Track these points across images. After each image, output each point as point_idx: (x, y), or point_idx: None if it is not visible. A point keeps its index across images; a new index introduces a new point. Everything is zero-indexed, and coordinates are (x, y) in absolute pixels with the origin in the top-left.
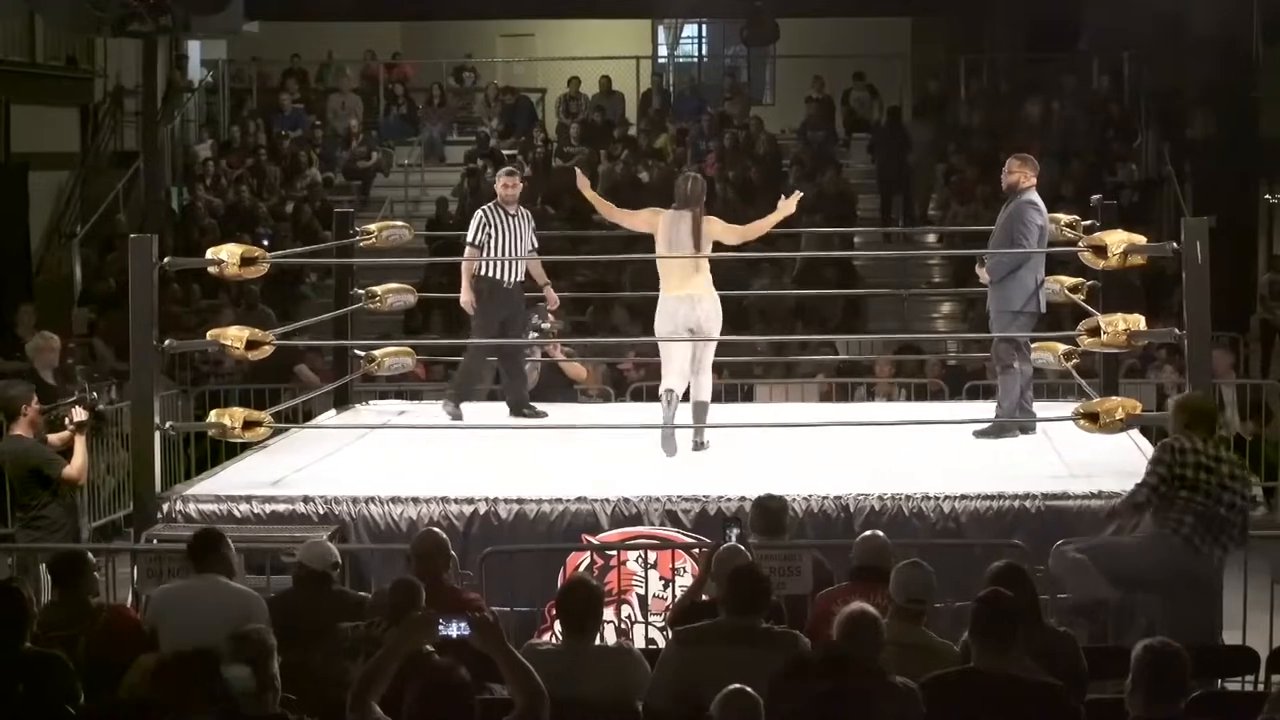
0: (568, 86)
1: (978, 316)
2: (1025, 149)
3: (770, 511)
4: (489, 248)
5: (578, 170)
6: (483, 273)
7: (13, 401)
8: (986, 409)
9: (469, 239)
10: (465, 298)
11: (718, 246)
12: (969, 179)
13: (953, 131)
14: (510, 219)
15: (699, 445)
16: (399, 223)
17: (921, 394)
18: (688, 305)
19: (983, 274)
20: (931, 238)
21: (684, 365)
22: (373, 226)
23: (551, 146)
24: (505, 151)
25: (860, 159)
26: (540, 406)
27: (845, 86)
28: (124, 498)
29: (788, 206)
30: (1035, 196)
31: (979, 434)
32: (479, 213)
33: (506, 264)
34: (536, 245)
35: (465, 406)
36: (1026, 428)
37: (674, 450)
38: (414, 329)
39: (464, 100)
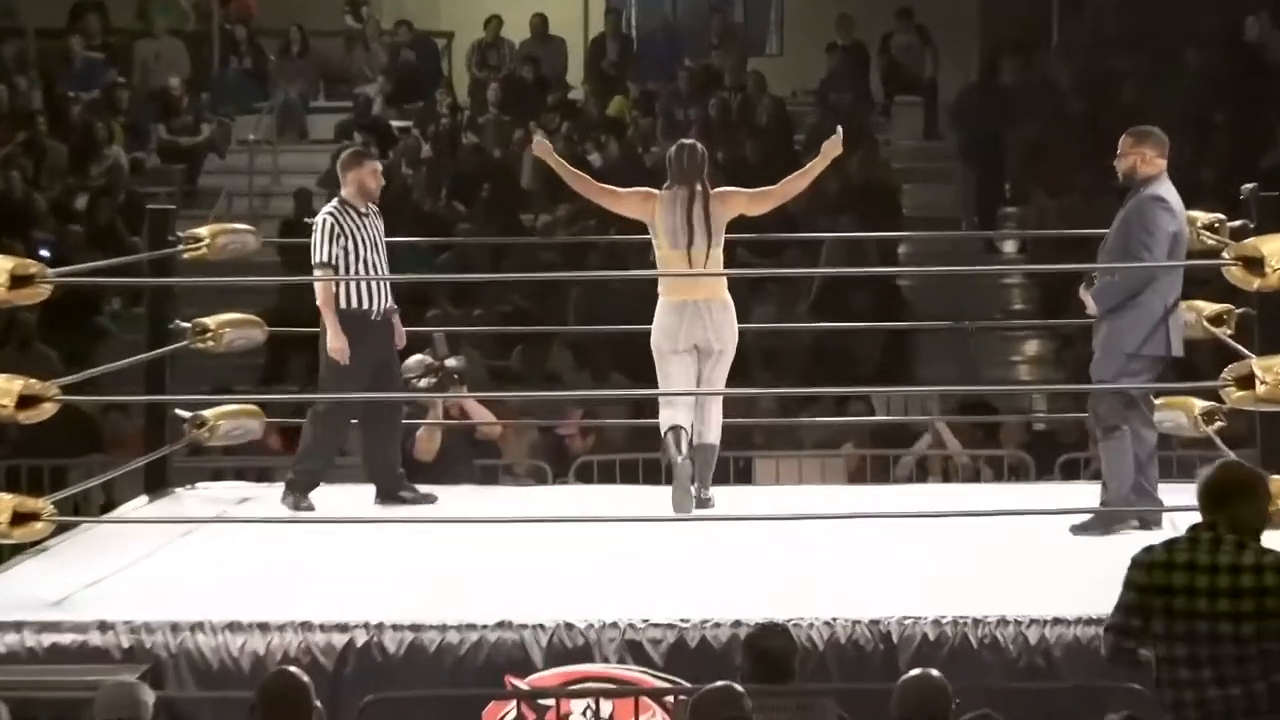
0: (484, 30)
1: (1077, 360)
2: (1143, 121)
3: (769, 655)
4: (345, 265)
5: (537, 131)
6: (342, 304)
7: None
8: (1089, 493)
9: (318, 257)
10: (336, 343)
11: (735, 226)
12: (1063, 161)
13: (1040, 93)
14: (364, 221)
15: (704, 502)
16: (241, 225)
17: (996, 471)
18: (692, 315)
19: (1087, 299)
20: (1009, 246)
21: (689, 395)
22: (203, 231)
23: (462, 116)
24: (396, 123)
25: (907, 132)
26: (433, 490)
27: (885, 29)
28: None
29: (833, 148)
30: (1165, 189)
31: (1077, 530)
32: (325, 218)
33: (373, 286)
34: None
35: (325, 494)
36: (1147, 519)
37: (691, 503)
38: (264, 379)
39: (335, 50)
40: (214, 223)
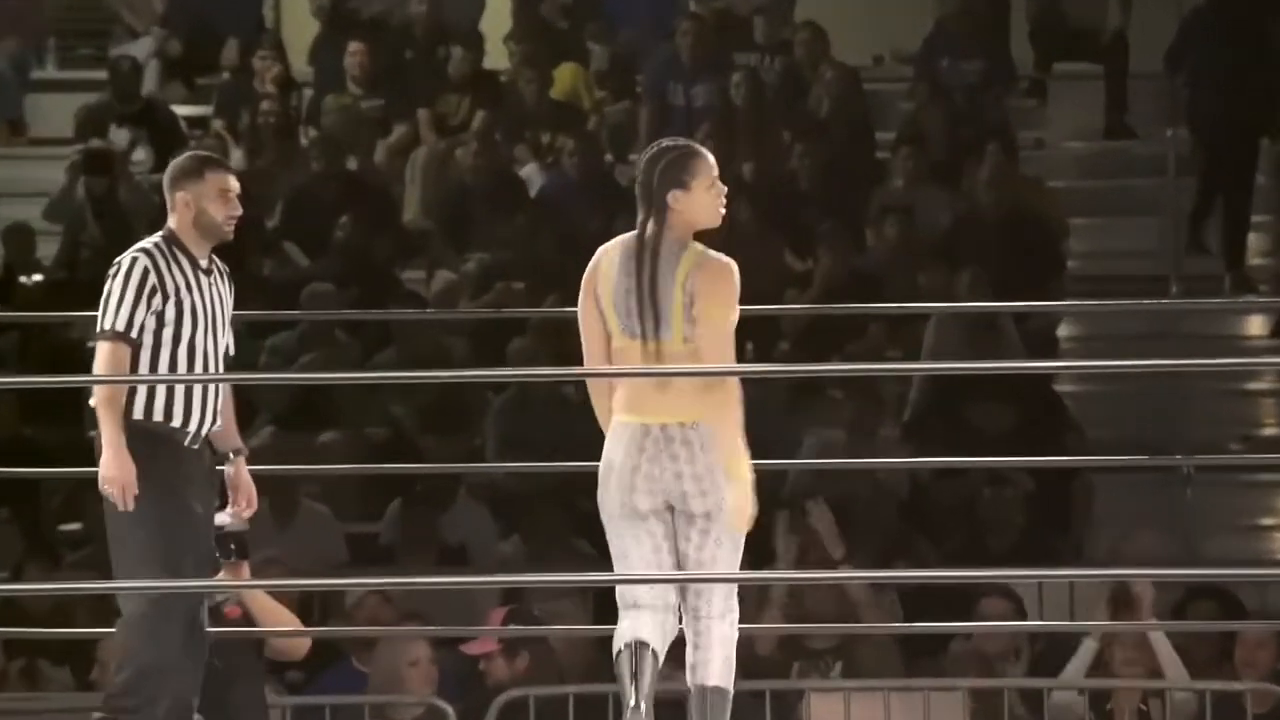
0: None
1: None
2: None
3: None
4: (156, 343)
5: None
6: (138, 411)
7: None
8: None
9: (108, 322)
10: (113, 471)
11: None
12: None
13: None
14: (198, 277)
15: None
16: None
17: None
18: (657, 447)
19: None
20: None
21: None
22: None
23: (299, 96)
24: (182, 110)
25: (1068, 126)
26: None
27: None
28: None
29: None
30: None
31: None
32: (135, 258)
33: (194, 388)
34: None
35: None
36: None
37: None
38: None
39: None
40: None
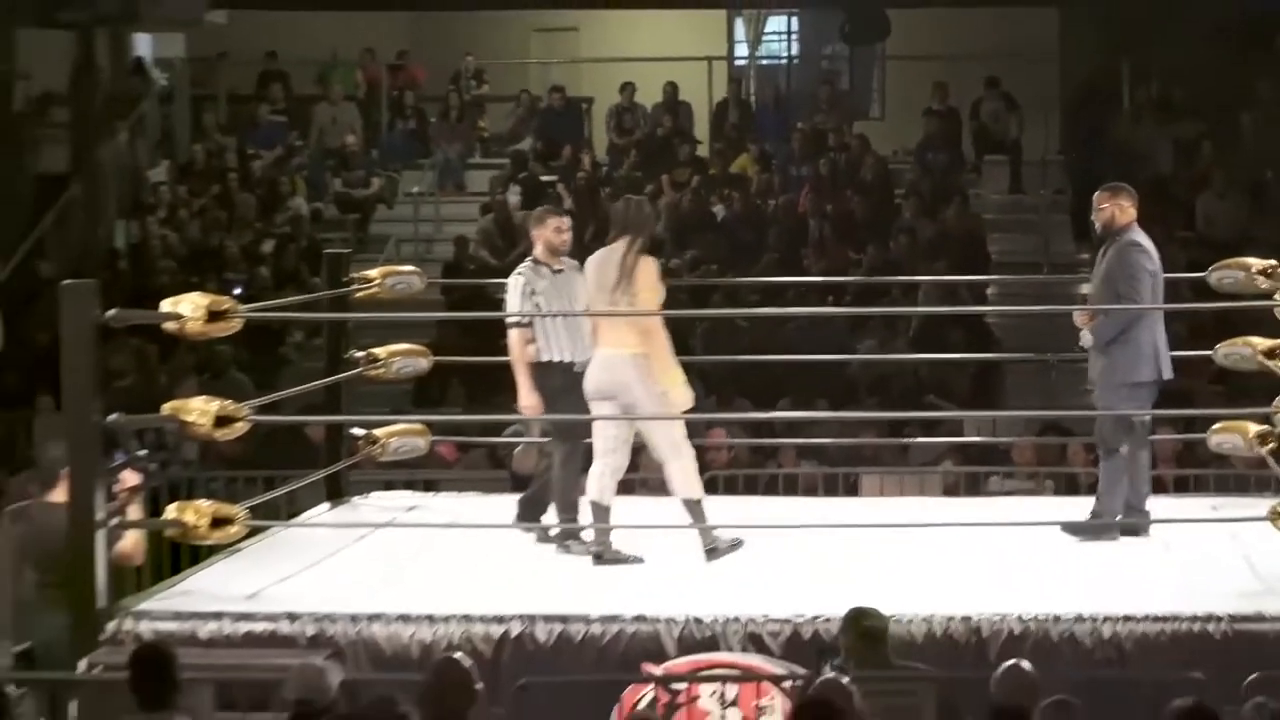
0: (620, 95)
1: None
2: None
3: (868, 633)
4: (538, 321)
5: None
6: (544, 357)
7: (53, 464)
8: (1169, 504)
9: (511, 316)
10: (527, 400)
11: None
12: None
13: (1114, 153)
14: (556, 277)
15: (713, 552)
16: (407, 267)
17: (1072, 486)
18: (606, 367)
19: (1085, 337)
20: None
21: (609, 454)
22: (374, 272)
23: (601, 171)
24: (543, 178)
25: (995, 187)
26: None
27: (975, 96)
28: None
29: None
30: (1139, 235)
31: (1068, 529)
32: (517, 277)
33: (565, 339)
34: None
35: (483, 502)
36: (1133, 528)
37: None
38: (428, 401)
39: (488, 114)
40: (383, 266)
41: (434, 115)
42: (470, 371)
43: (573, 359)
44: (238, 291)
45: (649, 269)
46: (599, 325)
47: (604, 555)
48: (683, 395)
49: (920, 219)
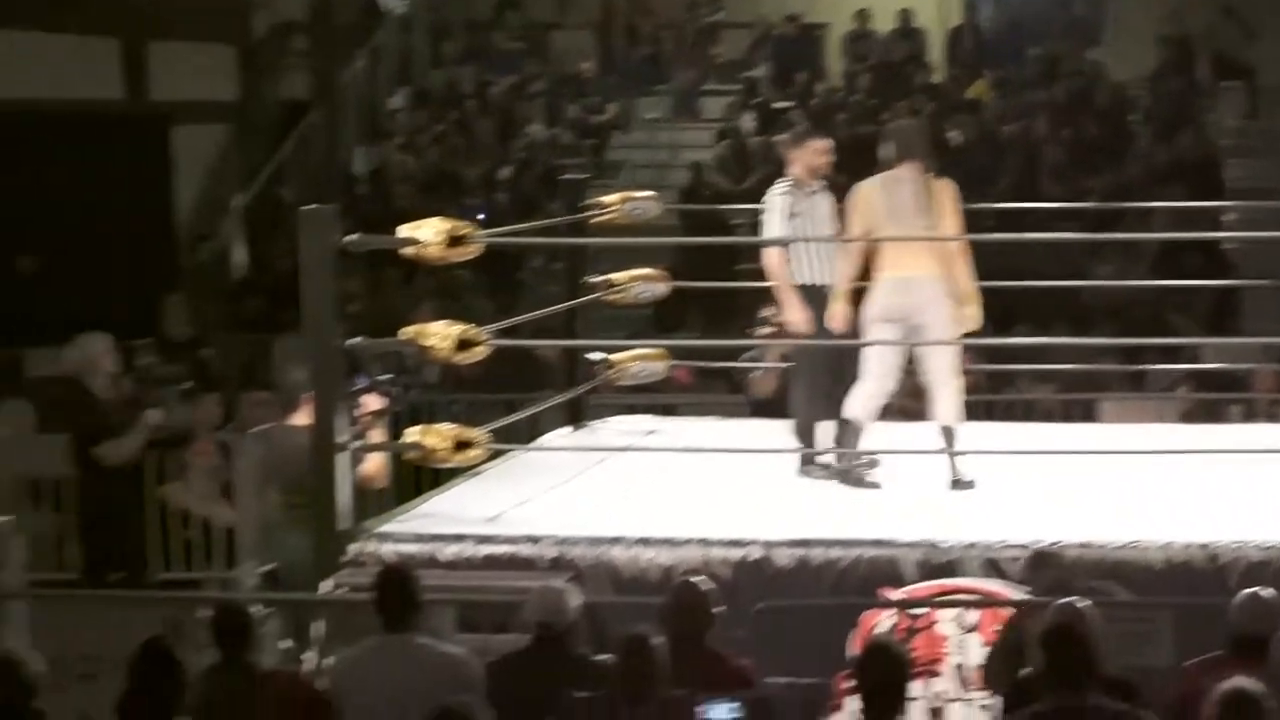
0: (855, 22)
1: None
2: None
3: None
4: (795, 245)
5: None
6: (797, 279)
7: (294, 387)
8: None
9: (772, 234)
10: (796, 316)
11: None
12: None
13: None
14: (813, 199)
15: (958, 483)
16: (644, 193)
17: None
18: (902, 290)
19: None
20: None
21: (882, 377)
22: (611, 198)
23: (836, 98)
24: (777, 105)
25: (1232, 113)
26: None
27: (1208, 21)
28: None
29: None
30: None
31: None
32: (779, 197)
33: (820, 262)
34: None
35: (722, 426)
36: None
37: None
38: (666, 327)
39: (723, 40)
40: (620, 192)
41: (669, 42)
42: (708, 296)
43: (824, 282)
44: (481, 217)
45: (950, 192)
46: (885, 249)
47: (850, 475)
48: (978, 316)
49: (1156, 145)
